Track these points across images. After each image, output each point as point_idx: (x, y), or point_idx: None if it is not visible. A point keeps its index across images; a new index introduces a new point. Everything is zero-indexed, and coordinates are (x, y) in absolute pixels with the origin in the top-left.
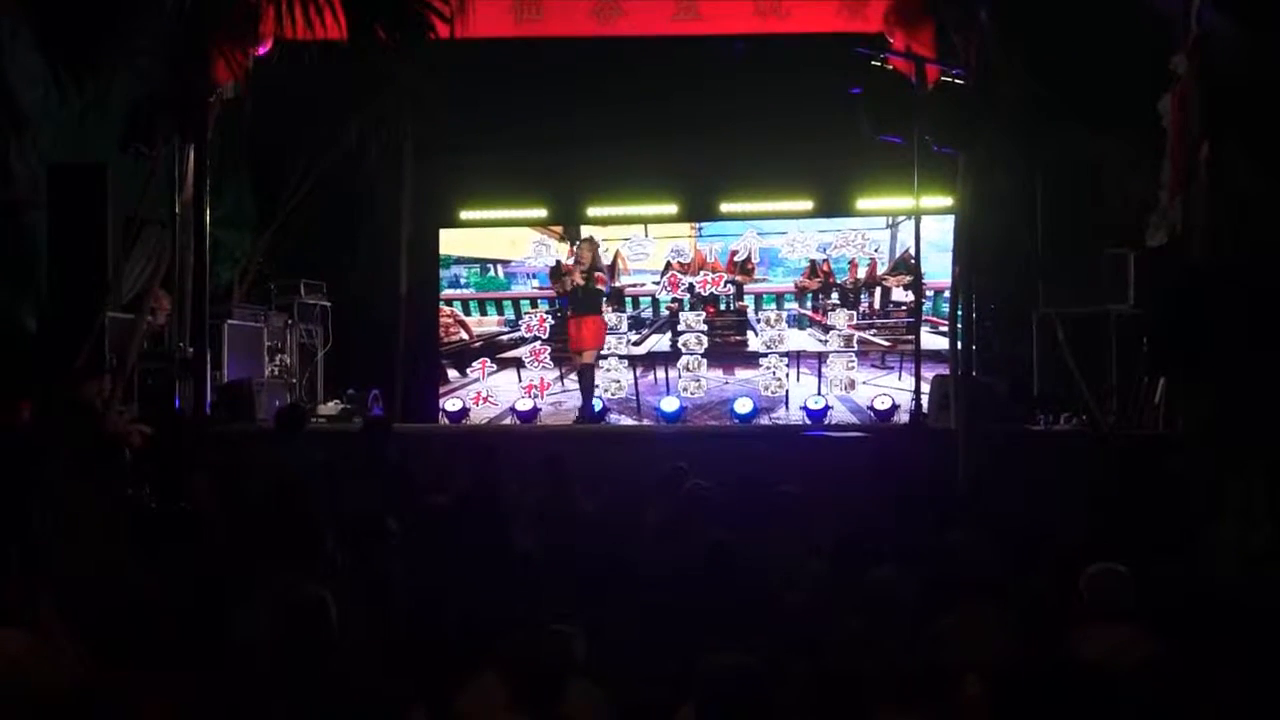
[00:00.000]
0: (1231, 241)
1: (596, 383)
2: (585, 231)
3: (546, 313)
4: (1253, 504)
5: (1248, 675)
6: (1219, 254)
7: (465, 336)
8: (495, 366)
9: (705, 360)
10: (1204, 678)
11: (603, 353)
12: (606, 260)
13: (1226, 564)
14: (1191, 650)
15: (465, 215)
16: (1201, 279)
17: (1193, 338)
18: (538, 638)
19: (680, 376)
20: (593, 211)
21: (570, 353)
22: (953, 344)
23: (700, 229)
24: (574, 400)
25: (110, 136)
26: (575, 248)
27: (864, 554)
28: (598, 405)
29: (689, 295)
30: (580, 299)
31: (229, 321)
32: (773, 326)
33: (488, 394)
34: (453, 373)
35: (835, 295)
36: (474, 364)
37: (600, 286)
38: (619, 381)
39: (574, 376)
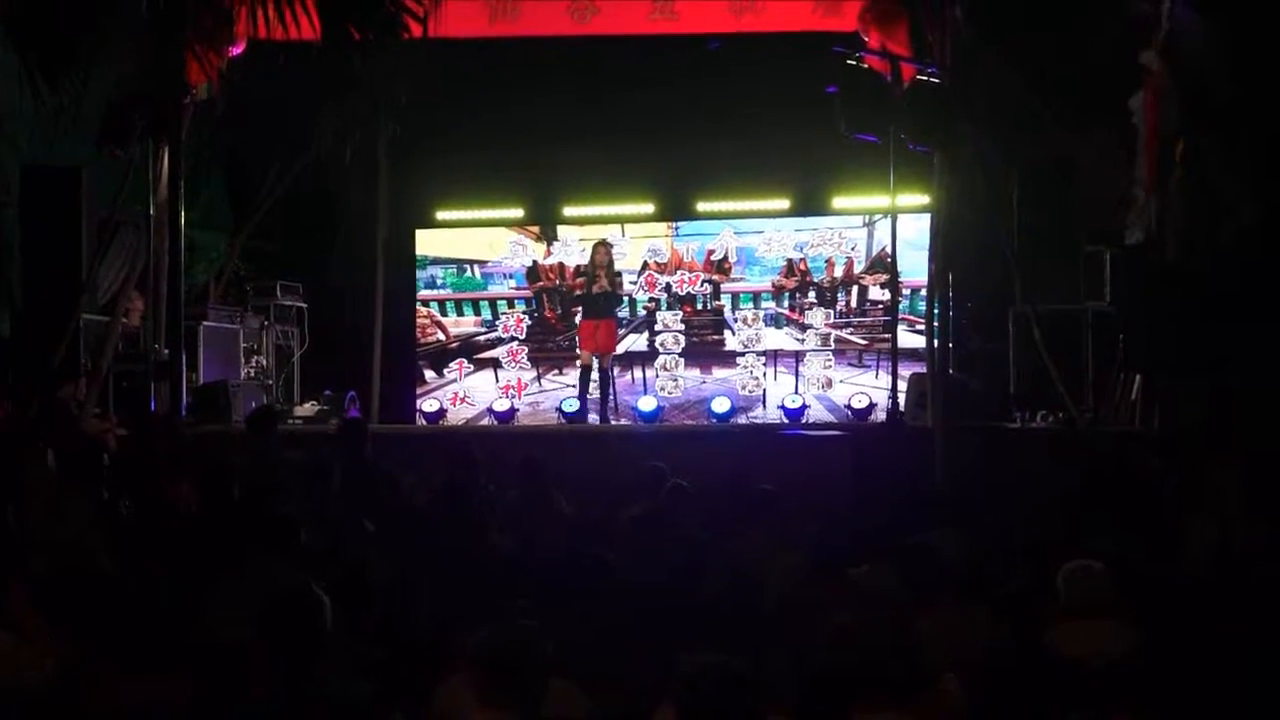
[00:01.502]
0: (1205, 239)
1: (574, 383)
2: (563, 232)
3: (524, 313)
4: (1230, 501)
5: (1224, 671)
6: (1193, 252)
7: (442, 337)
8: (472, 367)
9: (683, 360)
10: (1181, 674)
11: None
12: (584, 260)
13: (1203, 561)
14: (1169, 647)
15: (441, 216)
16: (1175, 276)
17: (1166, 335)
18: (504, 633)
19: (658, 376)
20: (569, 211)
21: (581, 352)
22: (929, 342)
23: (677, 228)
24: (551, 401)
25: (85, 138)
26: (593, 250)
27: (842, 553)
28: (575, 405)
29: (666, 295)
30: (602, 304)
31: (205, 323)
32: (750, 326)
33: (465, 395)
34: (430, 374)
35: (812, 294)
36: (451, 365)
37: (620, 293)
38: (597, 381)
39: (574, 376)
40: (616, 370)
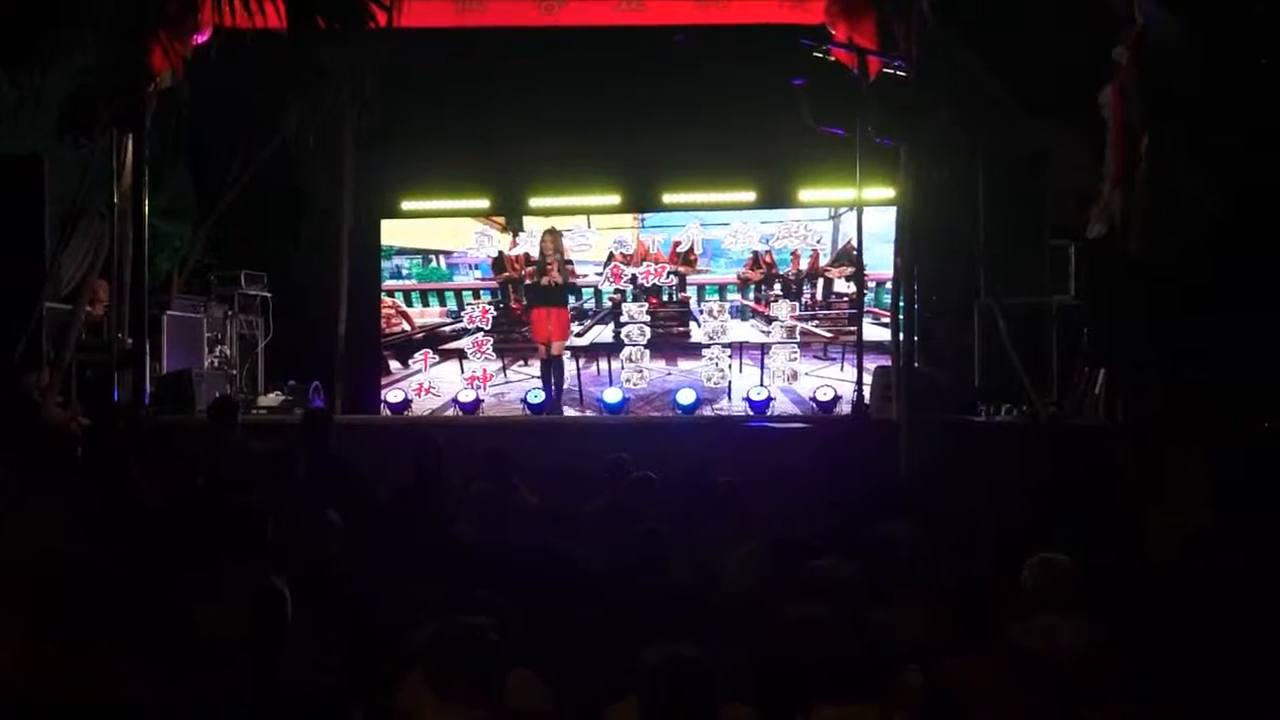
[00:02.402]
0: (1168, 233)
1: (538, 374)
2: (528, 223)
3: (489, 304)
4: (1191, 491)
5: (1187, 661)
6: (1156, 245)
7: (407, 328)
8: (437, 358)
9: (648, 351)
10: (1145, 665)
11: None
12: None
13: (1166, 552)
14: (1132, 637)
15: (407, 206)
16: (1139, 270)
17: (1130, 328)
18: (450, 629)
19: (623, 368)
20: (535, 202)
21: (537, 344)
22: (894, 335)
23: (643, 220)
24: (516, 392)
25: (48, 126)
26: (540, 239)
27: (804, 545)
28: (540, 396)
29: (632, 286)
30: (554, 292)
31: (168, 312)
32: (715, 318)
33: (430, 385)
34: (394, 364)
35: (778, 286)
36: (416, 355)
37: (573, 280)
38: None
39: (536, 367)
40: (582, 361)
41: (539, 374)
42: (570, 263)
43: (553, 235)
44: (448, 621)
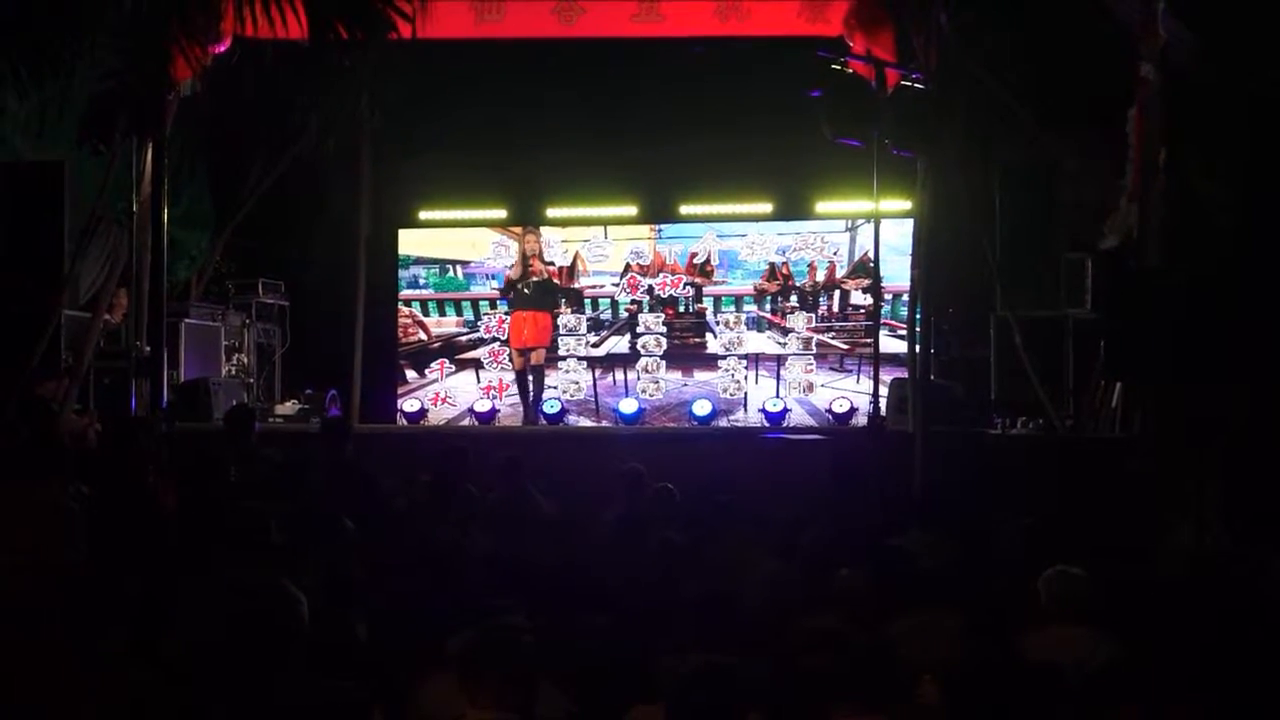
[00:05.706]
0: (1186, 245)
1: (554, 384)
2: (545, 233)
3: (505, 314)
4: (1205, 506)
5: (1200, 676)
6: (1174, 258)
7: (424, 337)
8: (454, 367)
9: (664, 362)
10: (1158, 678)
11: (561, 354)
12: (566, 261)
13: (1181, 566)
14: (1147, 652)
15: (424, 215)
16: (1156, 282)
17: (1146, 341)
18: (493, 634)
19: (639, 378)
20: (552, 212)
21: (511, 349)
22: (911, 347)
23: (660, 231)
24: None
25: (69, 132)
26: (523, 237)
27: (820, 556)
28: (556, 406)
29: (648, 297)
30: (535, 294)
31: (186, 320)
32: (732, 329)
33: (446, 395)
34: (411, 373)
35: (794, 298)
36: (432, 365)
37: (555, 280)
38: (578, 383)
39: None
40: (598, 372)
41: (557, 383)
42: (551, 264)
43: (533, 234)
44: (484, 624)
